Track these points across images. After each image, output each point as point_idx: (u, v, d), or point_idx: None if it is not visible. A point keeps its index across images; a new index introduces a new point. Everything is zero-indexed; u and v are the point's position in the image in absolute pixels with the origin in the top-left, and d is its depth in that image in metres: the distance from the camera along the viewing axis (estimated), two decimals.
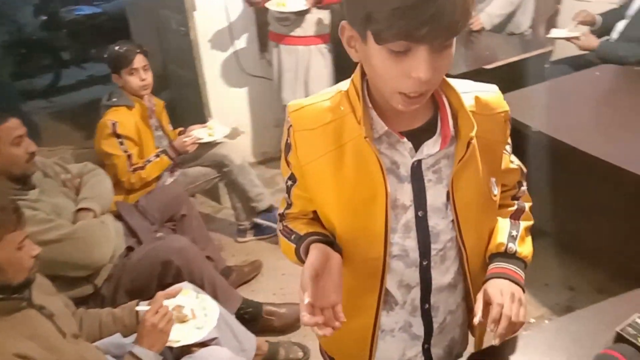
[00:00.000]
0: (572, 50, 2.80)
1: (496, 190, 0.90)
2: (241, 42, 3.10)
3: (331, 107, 0.85)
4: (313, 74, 2.78)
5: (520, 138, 2.04)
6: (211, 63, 3.07)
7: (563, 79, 2.36)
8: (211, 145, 2.47)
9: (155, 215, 2.20)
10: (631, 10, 2.64)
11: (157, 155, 2.29)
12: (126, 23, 4.33)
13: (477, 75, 2.34)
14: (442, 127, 0.83)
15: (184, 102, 3.23)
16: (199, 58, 2.75)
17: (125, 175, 2.20)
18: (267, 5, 2.63)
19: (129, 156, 2.20)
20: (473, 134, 0.81)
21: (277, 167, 3.48)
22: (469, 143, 0.82)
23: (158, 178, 2.34)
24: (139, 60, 2.24)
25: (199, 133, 2.41)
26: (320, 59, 2.78)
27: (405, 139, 0.82)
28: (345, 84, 0.87)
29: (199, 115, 2.96)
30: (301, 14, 2.61)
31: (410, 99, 0.73)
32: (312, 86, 2.78)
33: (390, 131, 0.81)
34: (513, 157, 0.98)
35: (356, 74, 0.83)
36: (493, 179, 0.90)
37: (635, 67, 2.40)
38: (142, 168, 2.23)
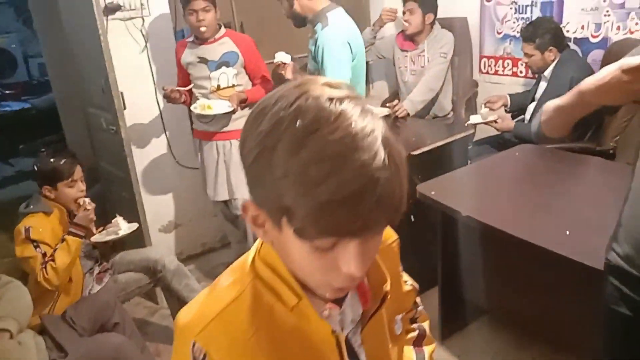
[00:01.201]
0: (493, 130, 2.99)
1: (400, 329, 0.84)
2: (174, 134, 3.10)
3: (246, 308, 0.65)
4: (234, 168, 2.74)
5: (452, 223, 2.12)
6: (144, 158, 3.03)
7: (486, 161, 2.49)
8: (123, 242, 2.38)
9: (85, 325, 2.05)
10: (538, 94, 2.89)
11: (63, 240, 2.08)
12: (56, 118, 4.25)
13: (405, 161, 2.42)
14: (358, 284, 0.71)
15: (115, 197, 3.14)
16: (130, 155, 2.70)
17: (39, 273, 2.00)
18: (192, 109, 2.64)
19: (44, 254, 2.03)
20: (387, 287, 0.72)
21: (217, 258, 3.40)
22: (383, 297, 0.72)
23: (83, 287, 2.20)
24: (78, 171, 2.17)
25: (110, 236, 2.28)
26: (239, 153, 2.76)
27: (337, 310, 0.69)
28: (242, 272, 0.70)
29: (132, 211, 2.87)
30: (226, 114, 2.62)
31: (341, 289, 0.63)
32: (235, 181, 2.76)
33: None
34: (405, 276, 0.92)
35: (268, 254, 0.67)
36: (398, 317, 0.83)
37: (548, 145, 2.58)
38: (52, 259, 2.02)
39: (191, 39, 2.66)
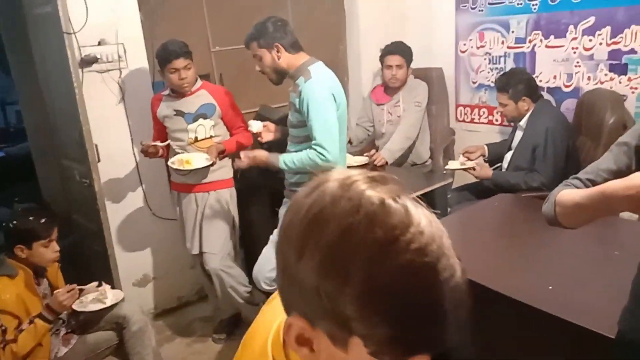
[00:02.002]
0: (471, 177, 3.00)
1: None
2: (150, 186, 3.04)
3: None
4: (207, 221, 2.70)
5: None
6: (119, 210, 2.95)
7: (466, 212, 2.48)
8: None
9: None
10: (514, 143, 2.92)
11: (31, 322, 1.95)
12: (31, 168, 4.16)
13: None
14: None
15: (88, 251, 3.04)
16: (103, 209, 2.63)
17: None
18: (170, 165, 2.61)
19: (4, 331, 1.88)
20: None
21: (194, 312, 3.28)
22: None
23: (48, 350, 2.07)
24: (55, 230, 2.09)
25: (94, 304, 2.15)
26: (218, 205, 2.72)
27: None
28: None
29: (104, 265, 2.78)
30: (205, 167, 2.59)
31: None
32: (207, 234, 2.70)
33: None
34: None
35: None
36: None
37: (524, 194, 2.59)
38: (14, 341, 1.88)
39: (167, 92, 2.65)
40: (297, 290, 0.54)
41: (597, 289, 1.66)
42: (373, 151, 3.14)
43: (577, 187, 1.20)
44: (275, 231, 2.35)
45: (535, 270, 1.81)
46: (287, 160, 2.25)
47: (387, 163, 3.09)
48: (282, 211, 2.40)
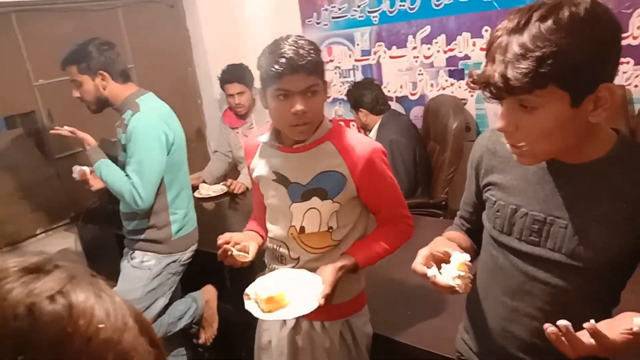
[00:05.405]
0: None
1: None
2: None
3: None
4: None
5: None
6: None
7: None
8: None
9: None
10: None
11: None
12: None
13: None
14: None
15: None
16: None
17: None
18: None
19: None
20: None
21: None
22: None
23: None
24: None
25: None
26: None
27: None
28: None
29: None
30: None
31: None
32: None
33: None
34: None
35: None
36: None
37: None
38: None
39: None
40: None
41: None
42: (229, 180, 2.98)
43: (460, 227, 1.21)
44: (114, 290, 2.08)
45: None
46: (104, 170, 1.97)
47: (247, 189, 2.94)
48: (123, 264, 2.13)
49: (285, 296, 1.21)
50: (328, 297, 1.21)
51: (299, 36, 1.26)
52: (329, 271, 1.24)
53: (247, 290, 1.26)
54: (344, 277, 1.30)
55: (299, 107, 1.23)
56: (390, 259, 1.38)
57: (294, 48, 1.20)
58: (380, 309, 1.61)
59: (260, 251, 1.46)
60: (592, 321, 0.75)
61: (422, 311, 1.65)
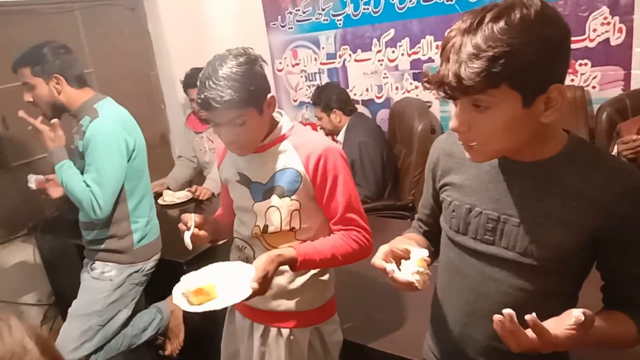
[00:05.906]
0: None
1: None
2: None
3: None
4: None
5: None
6: None
7: None
8: None
9: None
10: None
11: None
12: None
13: None
14: None
15: None
16: None
17: None
18: None
19: None
20: None
21: None
22: None
23: None
24: None
25: None
26: None
27: None
28: None
29: None
30: None
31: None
32: None
33: None
34: None
35: None
36: None
37: None
38: None
39: None
40: None
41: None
42: (194, 187, 2.92)
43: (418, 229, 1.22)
44: (74, 303, 2.01)
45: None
46: (66, 172, 1.88)
47: (213, 194, 2.89)
48: (83, 275, 2.06)
49: (215, 287, 1.17)
50: (262, 284, 1.18)
51: (233, 60, 1.20)
52: (263, 258, 1.21)
53: (176, 286, 1.21)
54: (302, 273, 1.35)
55: (224, 137, 1.27)
56: (360, 265, 1.37)
57: (214, 84, 1.17)
58: (351, 316, 1.60)
59: (218, 239, 1.48)
60: (534, 314, 0.75)
61: (393, 316, 1.65)
